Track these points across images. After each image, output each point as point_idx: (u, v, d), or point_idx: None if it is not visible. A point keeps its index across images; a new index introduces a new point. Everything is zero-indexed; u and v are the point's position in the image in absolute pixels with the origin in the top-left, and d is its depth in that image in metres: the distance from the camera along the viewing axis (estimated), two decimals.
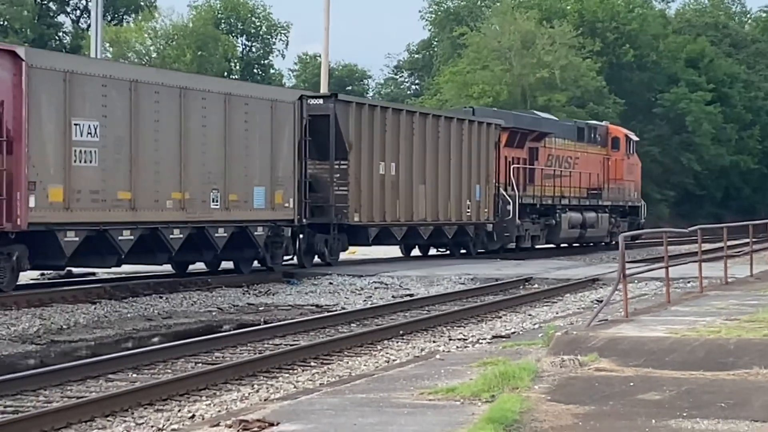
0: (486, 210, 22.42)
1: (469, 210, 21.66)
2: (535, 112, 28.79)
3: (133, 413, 7.50)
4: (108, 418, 7.34)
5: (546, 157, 26.19)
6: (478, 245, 23.50)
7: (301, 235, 17.68)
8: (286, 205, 16.87)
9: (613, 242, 27.79)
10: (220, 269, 17.74)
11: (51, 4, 54.38)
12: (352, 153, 18.26)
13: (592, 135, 29.36)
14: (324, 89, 28.50)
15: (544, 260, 24.85)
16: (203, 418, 6.81)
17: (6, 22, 50.88)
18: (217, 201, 15.16)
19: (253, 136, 15.86)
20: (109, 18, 48.69)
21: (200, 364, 10.04)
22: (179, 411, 7.50)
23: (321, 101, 18.61)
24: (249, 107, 15.82)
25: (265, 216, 16.39)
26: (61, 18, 55.38)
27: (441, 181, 20.69)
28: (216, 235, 15.29)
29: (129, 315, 14.54)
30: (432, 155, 20.44)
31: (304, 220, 17.33)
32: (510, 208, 22.84)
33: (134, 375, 9.44)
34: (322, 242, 18.13)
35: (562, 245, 28.48)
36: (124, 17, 54.38)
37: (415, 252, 24.78)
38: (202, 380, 8.68)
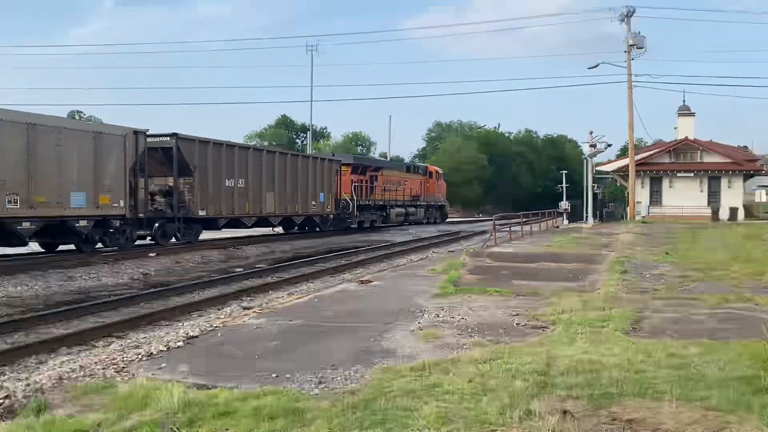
0: (329, 207, 30.93)
1: (315, 207, 29.47)
2: (376, 157, 44.56)
3: (309, 281, 15.78)
4: (296, 284, 15.60)
5: (383, 180, 37.43)
6: (329, 226, 32.16)
7: (155, 224, 21.43)
8: (115, 204, 18.95)
9: (428, 222, 44.87)
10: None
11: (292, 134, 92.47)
12: (197, 172, 22.31)
13: (416, 169, 44.83)
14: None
15: (398, 230, 37.80)
16: (345, 279, 15.10)
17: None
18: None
19: (70, 157, 17.62)
20: (313, 138, 74.82)
21: (350, 265, 18.67)
22: (334, 278, 15.92)
23: (167, 138, 21.87)
24: (68, 137, 17.63)
25: (87, 212, 18.19)
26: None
27: (289, 189, 27.36)
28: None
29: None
30: (280, 175, 26.84)
31: (141, 215, 20.20)
32: (351, 207, 32.62)
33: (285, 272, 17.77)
34: (173, 228, 22.02)
35: (393, 224, 39.97)
36: (320, 139, 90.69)
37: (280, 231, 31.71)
38: (345, 268, 18.05)
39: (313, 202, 29.57)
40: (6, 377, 6.75)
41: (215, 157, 23.36)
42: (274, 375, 5.98)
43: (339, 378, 5.85)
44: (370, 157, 48.03)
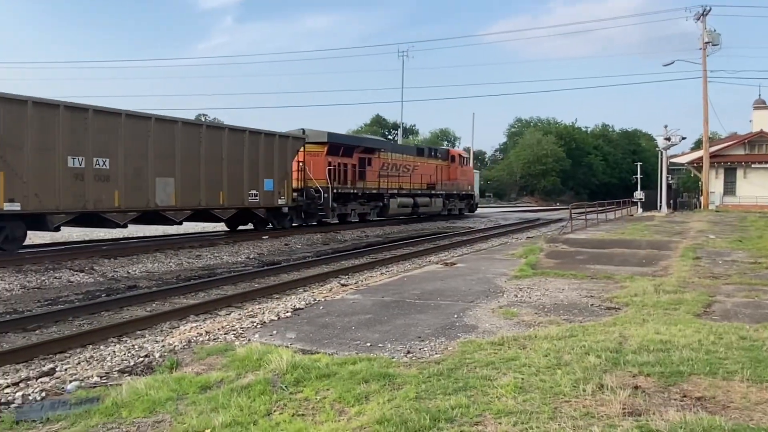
0: (283, 198, 21.18)
1: (255, 197, 19.91)
2: (368, 135, 33.95)
3: (399, 263, 15.86)
4: (389, 265, 15.72)
5: (380, 164, 28.34)
6: (286, 222, 22.26)
7: None
8: None
9: (450, 214, 35.49)
10: None
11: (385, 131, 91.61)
12: None
13: (432, 153, 34.37)
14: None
15: (392, 227, 28.00)
16: (431, 261, 15.11)
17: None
18: None
19: None
20: (403, 135, 74.80)
21: (436, 248, 18.72)
22: (421, 260, 15.98)
23: None
24: None
25: None
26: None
27: (204, 174, 17.90)
28: None
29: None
30: (188, 154, 17.42)
31: None
32: (326, 196, 23.43)
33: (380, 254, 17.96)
34: None
35: (399, 217, 30.40)
36: (409, 135, 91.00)
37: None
38: (432, 251, 17.98)
39: (253, 192, 19.90)
40: (145, 339, 7.21)
41: (42, 124, 13.81)
42: (368, 344, 6.08)
43: (425, 349, 5.88)
44: (358, 136, 35.35)
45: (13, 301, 10.57)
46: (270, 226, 22.03)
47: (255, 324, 7.14)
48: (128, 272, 13.91)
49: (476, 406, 4.21)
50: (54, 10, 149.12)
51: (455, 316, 7.37)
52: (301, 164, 23.32)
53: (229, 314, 8.82)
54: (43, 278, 12.46)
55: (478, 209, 42.32)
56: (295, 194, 22.83)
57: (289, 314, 7.62)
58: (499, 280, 10.34)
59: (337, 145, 25.50)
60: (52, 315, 8.99)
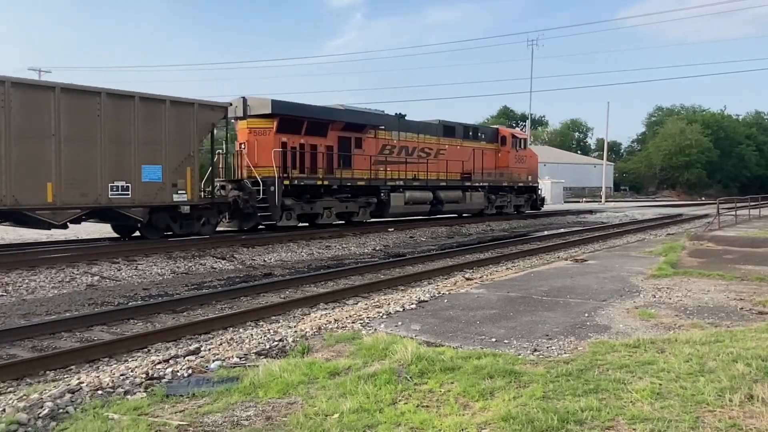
0: (184, 192, 15.57)
1: (126, 193, 14.44)
2: (353, 106, 21.50)
3: (525, 258, 15.49)
4: (500, 264, 15.41)
5: (375, 145, 21.67)
6: (195, 227, 16.40)
7: None
8: None
9: (499, 212, 28.17)
10: None
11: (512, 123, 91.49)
12: None
13: (470, 132, 26.43)
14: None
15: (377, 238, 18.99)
16: (559, 257, 14.61)
17: None
18: None
19: None
20: (531, 126, 75.97)
21: (565, 244, 18.28)
22: (549, 255, 15.52)
23: None
24: None
25: None
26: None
27: (23, 157, 12.83)
28: None
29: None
30: None
31: None
32: (273, 189, 17.57)
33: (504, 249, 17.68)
34: None
35: (408, 216, 23.82)
36: (538, 126, 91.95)
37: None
38: (561, 247, 17.26)
39: (118, 183, 14.35)
40: (279, 324, 7.63)
41: None
42: (492, 339, 6.01)
43: (553, 347, 5.70)
44: (334, 107, 20.98)
45: (164, 285, 11.62)
46: (174, 232, 16.05)
47: (381, 314, 7.30)
48: (264, 260, 14.77)
49: (608, 410, 4.03)
50: (205, 17, 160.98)
51: (586, 315, 7.08)
52: (243, 146, 18.49)
53: (356, 303, 9.10)
54: (189, 264, 13.57)
55: (585, 205, 37.32)
56: (227, 187, 18.11)
57: (413, 306, 7.72)
58: (635, 278, 9.78)
59: (293, 118, 18.69)
60: (198, 299, 9.77)
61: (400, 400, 4.35)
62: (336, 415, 4.07)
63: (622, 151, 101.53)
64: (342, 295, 10.07)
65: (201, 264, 13.76)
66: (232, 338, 6.62)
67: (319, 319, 7.52)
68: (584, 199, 60.04)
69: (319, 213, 19.68)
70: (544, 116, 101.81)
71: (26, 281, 10.87)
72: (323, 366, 5.18)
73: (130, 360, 6.31)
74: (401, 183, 22.54)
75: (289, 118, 18.74)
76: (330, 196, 20.05)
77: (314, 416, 4.06)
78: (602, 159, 66.19)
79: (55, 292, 10.58)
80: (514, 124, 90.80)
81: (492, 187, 27.38)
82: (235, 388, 4.71)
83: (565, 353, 5.50)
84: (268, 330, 7.01)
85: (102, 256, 13.14)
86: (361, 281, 11.81)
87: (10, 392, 5.27)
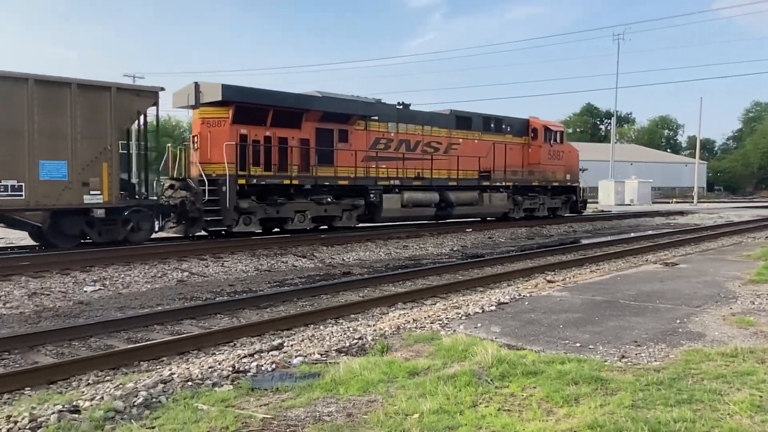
0: (98, 192, 13.45)
1: (18, 193, 12.47)
2: (331, 93, 18.66)
3: (611, 261, 14.95)
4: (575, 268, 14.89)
5: (362, 139, 18.92)
6: (103, 234, 13.98)
7: None
8: None
9: (527, 215, 24.51)
10: None
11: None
12: None
13: (491, 124, 23.02)
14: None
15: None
16: (648, 261, 14.01)
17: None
18: None
19: None
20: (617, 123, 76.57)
21: (654, 246, 17.63)
22: (636, 258, 14.94)
23: None
24: None
25: None
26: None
27: None
28: None
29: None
30: None
31: None
32: (225, 189, 15.27)
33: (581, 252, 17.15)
34: None
35: (412, 222, 21.06)
36: (624, 124, 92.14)
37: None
38: (649, 249, 16.63)
39: (12, 183, 12.56)
40: (359, 323, 7.72)
41: None
42: (577, 344, 5.83)
43: (642, 354, 5.46)
44: (308, 94, 18.27)
45: (248, 281, 12.02)
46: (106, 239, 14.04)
47: (460, 315, 7.24)
48: (343, 259, 15.00)
49: (703, 421, 3.82)
50: (285, 21, 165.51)
51: (677, 321, 6.74)
52: (195, 140, 16.28)
53: (434, 304, 9.07)
54: (272, 262, 13.97)
55: (675, 206, 33.35)
56: (175, 187, 15.86)
57: (493, 308, 7.61)
58: (731, 283, 9.22)
59: (254, 107, 16.24)
60: (280, 295, 10.04)
61: (480, 403, 4.29)
62: (416, 415, 4.06)
63: (716, 149, 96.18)
64: (420, 295, 10.07)
65: (283, 262, 14.13)
66: (313, 335, 6.75)
67: (398, 318, 7.54)
68: (674, 200, 57.16)
69: (289, 217, 17.06)
70: (630, 113, 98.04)
71: (122, 276, 11.54)
72: (402, 365, 5.19)
73: (217, 353, 6.57)
74: (397, 182, 19.56)
75: (249, 106, 16.12)
76: (304, 198, 17.34)
77: (394, 415, 4.07)
78: (694, 158, 62.84)
79: (148, 286, 11.17)
80: (598, 122, 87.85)
81: (518, 188, 23.82)
82: (317, 384, 4.80)
83: (655, 361, 5.26)
84: (348, 328, 7.11)
85: (191, 253, 13.75)
86: (439, 281, 11.77)
87: (108, 381, 5.60)
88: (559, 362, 5.11)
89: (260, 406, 4.40)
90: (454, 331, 6.48)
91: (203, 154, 15.81)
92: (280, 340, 6.57)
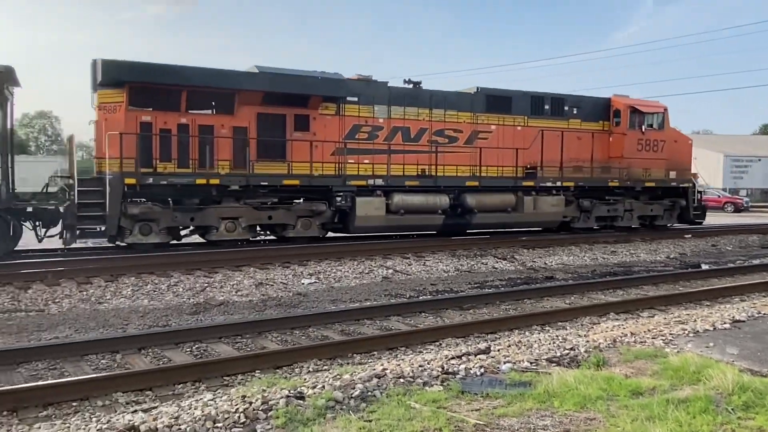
0: None
1: None
2: (296, 70, 14.92)
3: None
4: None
5: (341, 127, 15.35)
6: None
7: None
8: None
9: (579, 225, 18.43)
10: None
11: None
12: None
13: (544, 106, 17.79)
14: None
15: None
16: None
17: None
18: None
19: None
20: None
21: None
22: None
23: None
24: None
25: None
26: None
27: None
28: None
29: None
30: None
31: None
32: (110, 191, 12.60)
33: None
34: None
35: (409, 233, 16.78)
36: None
37: None
38: None
39: None
40: (567, 331, 7.32)
41: None
42: None
43: None
44: (242, 72, 14.23)
45: (449, 281, 12.13)
46: None
47: (686, 332, 6.53)
48: (545, 263, 14.49)
49: None
50: (490, 21, 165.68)
51: None
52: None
53: (652, 317, 8.33)
54: (472, 263, 13.95)
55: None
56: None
57: (726, 325, 6.75)
58: None
59: (159, 88, 13.41)
60: (482, 297, 9.95)
61: None
62: None
63: None
64: (634, 306, 9.31)
65: (482, 263, 14.04)
66: (519, 341, 6.56)
67: (611, 330, 7.03)
68: None
69: (212, 225, 13.86)
70: None
71: (334, 270, 12.33)
72: (623, 383, 4.81)
73: (424, 352, 6.68)
74: (380, 181, 15.41)
75: (150, 86, 13.27)
76: (235, 201, 14.07)
77: None
78: None
79: (357, 281, 11.80)
80: None
81: (585, 189, 18.17)
82: (529, 393, 4.63)
83: None
84: (556, 336, 6.79)
85: (395, 251, 14.26)
86: (655, 292, 10.80)
87: (325, 370, 5.96)
88: None
89: (471, 410, 4.35)
90: (681, 349, 5.85)
91: (98, 147, 13.26)
92: (485, 344, 6.48)
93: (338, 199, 14.83)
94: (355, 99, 15.55)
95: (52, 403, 5.12)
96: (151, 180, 13.05)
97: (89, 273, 10.82)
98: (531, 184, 17.30)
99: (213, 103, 14.19)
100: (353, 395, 4.65)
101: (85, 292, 9.88)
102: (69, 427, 4.13)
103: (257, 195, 14.21)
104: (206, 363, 6.12)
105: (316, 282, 11.54)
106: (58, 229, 12.97)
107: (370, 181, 15.28)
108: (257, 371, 6.09)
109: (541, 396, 4.56)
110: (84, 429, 4.05)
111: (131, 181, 12.86)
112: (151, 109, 13.48)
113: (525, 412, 4.28)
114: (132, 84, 13.11)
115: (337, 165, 15.21)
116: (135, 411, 4.58)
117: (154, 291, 10.23)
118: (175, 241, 14.10)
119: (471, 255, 14.64)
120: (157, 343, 7.00)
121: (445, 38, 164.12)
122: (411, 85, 16.62)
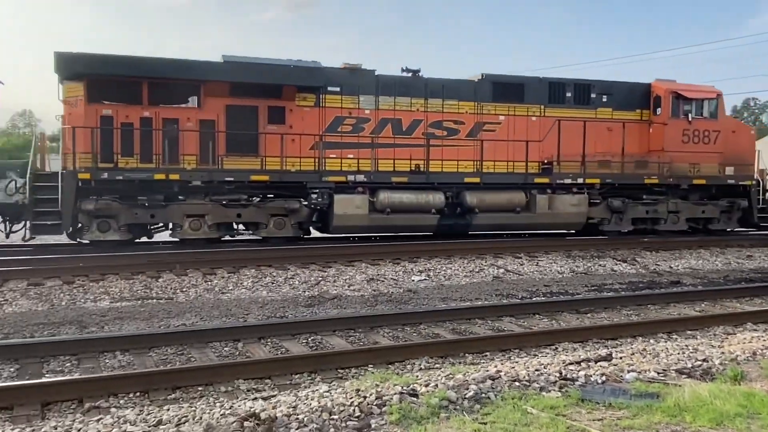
0: None
1: None
2: (272, 59, 14.11)
3: None
4: None
5: (326, 119, 14.42)
6: None
7: None
8: None
9: (610, 228, 16.31)
10: None
11: None
12: None
13: (565, 93, 15.83)
14: None
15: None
16: None
17: None
18: None
19: None
20: None
21: None
22: None
23: None
24: None
25: None
26: None
27: None
28: None
29: None
30: None
31: None
32: (64, 185, 12.52)
33: None
34: None
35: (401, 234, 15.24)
36: None
37: None
38: None
39: None
40: (698, 341, 6.79)
41: None
42: None
43: None
44: (206, 61, 13.88)
45: (564, 283, 11.69)
46: None
47: None
48: (670, 267, 13.60)
49: None
50: (592, 16, 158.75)
51: None
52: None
53: None
54: (588, 264, 13.36)
55: None
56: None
57: None
58: None
59: (118, 80, 13.24)
60: (601, 301, 9.49)
61: None
62: None
63: None
64: None
65: (600, 265, 13.41)
66: (644, 349, 6.16)
67: (750, 341, 6.44)
68: None
69: (176, 223, 13.59)
70: None
71: (444, 268, 12.26)
72: (765, 399, 4.39)
73: (539, 355, 6.44)
74: (363, 177, 14.32)
75: (109, 79, 13.07)
76: (199, 197, 13.59)
77: None
78: None
79: (467, 280, 11.65)
80: None
81: (615, 187, 16.15)
82: (657, 406, 4.33)
83: None
84: (686, 346, 6.31)
85: (506, 250, 13.96)
86: None
87: (437, 368, 5.90)
88: None
89: (593, 420, 4.13)
90: None
91: (66, 142, 13.15)
92: (606, 351, 6.15)
93: (314, 196, 13.98)
94: (338, 89, 14.63)
95: (180, 386, 5.44)
96: (106, 175, 12.78)
97: (213, 264, 11.46)
98: (545, 180, 15.55)
99: (177, 96, 13.76)
100: (467, 396, 4.56)
101: (209, 282, 10.47)
102: (195, 410, 4.35)
103: (224, 191, 13.65)
104: (322, 355, 6.27)
105: (426, 279, 11.53)
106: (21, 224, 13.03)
107: (351, 177, 14.25)
108: (370, 365, 6.15)
109: (671, 409, 4.25)
110: (209, 413, 4.25)
111: (85, 176, 12.70)
112: (111, 102, 13.30)
113: (653, 425, 4.00)
114: (90, 77, 12.90)
115: (315, 160, 14.32)
116: (255, 398, 4.75)
117: (272, 283, 10.66)
118: (146, 239, 14.02)
119: (587, 256, 14.03)
120: (276, 333, 7.26)
121: (555, 35, 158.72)
122: (410, 74, 15.41)
